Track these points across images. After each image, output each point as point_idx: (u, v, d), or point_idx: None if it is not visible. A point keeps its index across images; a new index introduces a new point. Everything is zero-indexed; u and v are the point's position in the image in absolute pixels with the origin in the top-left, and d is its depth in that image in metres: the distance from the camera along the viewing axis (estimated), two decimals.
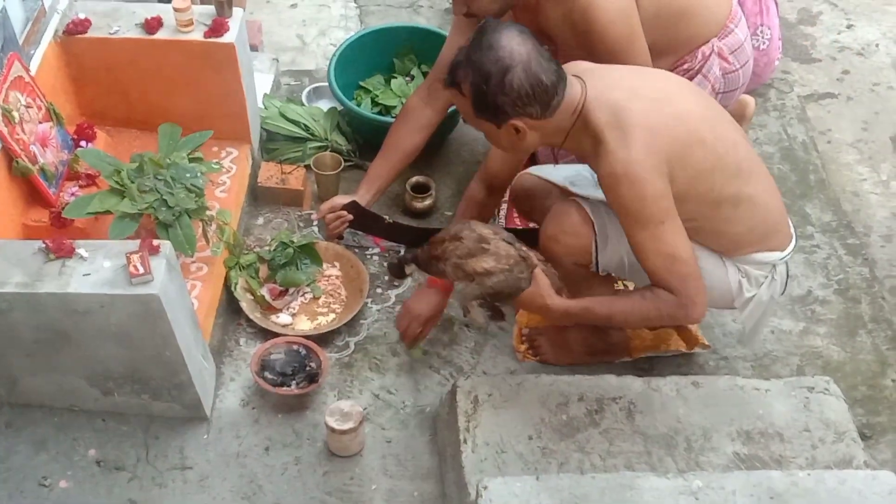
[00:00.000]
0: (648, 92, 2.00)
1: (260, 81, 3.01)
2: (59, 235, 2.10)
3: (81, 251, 2.01)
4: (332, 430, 2.22)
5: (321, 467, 2.27)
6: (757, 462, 2.11)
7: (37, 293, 1.96)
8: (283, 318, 2.56)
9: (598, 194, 2.10)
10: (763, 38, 3.06)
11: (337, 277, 2.68)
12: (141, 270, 1.95)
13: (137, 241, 2.02)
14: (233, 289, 2.54)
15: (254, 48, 3.21)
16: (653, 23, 2.40)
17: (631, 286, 2.43)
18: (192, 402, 2.28)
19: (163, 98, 2.65)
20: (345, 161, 2.88)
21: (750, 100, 3.02)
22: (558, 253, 2.20)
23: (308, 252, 2.63)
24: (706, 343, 2.54)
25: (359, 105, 3.04)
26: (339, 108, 3.01)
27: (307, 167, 2.89)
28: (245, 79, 2.65)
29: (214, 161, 2.60)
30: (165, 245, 2.04)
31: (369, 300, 2.63)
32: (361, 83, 3.14)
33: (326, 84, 3.02)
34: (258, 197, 2.86)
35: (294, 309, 2.59)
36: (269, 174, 2.85)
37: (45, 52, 2.48)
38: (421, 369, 2.49)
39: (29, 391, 2.27)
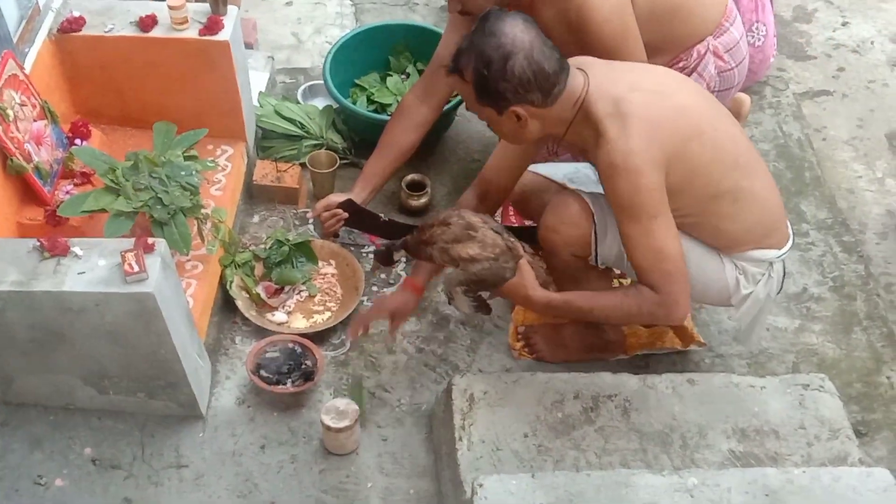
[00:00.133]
0: (649, 85, 2.01)
1: (255, 79, 3.01)
2: (54, 234, 2.09)
3: (76, 249, 2.01)
4: (328, 428, 2.22)
5: (317, 465, 2.27)
6: (752, 459, 2.11)
7: (31, 292, 1.96)
8: (279, 316, 2.56)
9: (598, 190, 2.11)
10: (758, 34, 3.06)
11: (332, 275, 2.68)
12: (136, 269, 1.94)
13: (132, 240, 2.01)
14: (228, 287, 2.54)
15: (249, 46, 3.21)
16: (647, 21, 2.40)
17: (627, 283, 2.43)
18: (187, 401, 2.27)
19: (158, 96, 2.65)
20: (340, 159, 2.88)
21: (745, 98, 3.03)
22: (557, 243, 2.20)
23: (304, 250, 2.64)
24: (702, 340, 2.54)
25: (354, 103, 3.03)
26: (335, 105, 3.01)
27: (303, 165, 2.89)
28: (240, 77, 2.65)
29: (210, 159, 2.60)
30: (160, 243, 2.04)
31: (365, 298, 2.63)
32: (357, 81, 3.14)
33: (322, 82, 3.02)
34: (253, 195, 2.86)
35: (290, 307, 2.59)
36: (265, 172, 2.85)
37: (40, 50, 2.48)
38: (417, 367, 2.49)
39: (24, 390, 2.27)
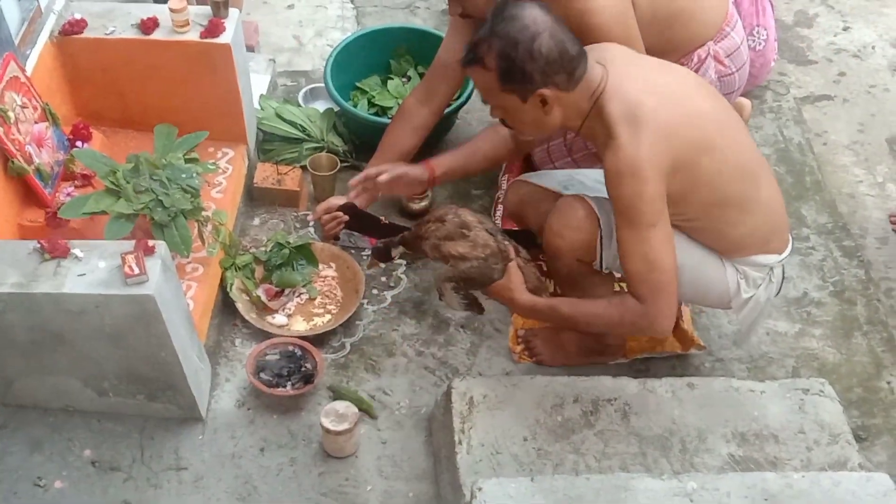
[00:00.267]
0: (665, 88, 2.00)
1: (256, 82, 3.01)
2: (55, 236, 2.10)
3: (76, 251, 2.01)
4: (328, 431, 2.22)
5: (316, 468, 2.27)
6: (751, 464, 2.11)
7: (32, 293, 1.96)
8: (279, 318, 2.56)
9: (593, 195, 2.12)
10: (759, 38, 3.06)
11: (333, 278, 2.68)
12: (136, 271, 1.94)
13: (132, 242, 2.01)
14: (228, 289, 2.54)
15: (250, 49, 3.21)
16: (649, 25, 2.40)
17: None
18: (187, 403, 2.27)
19: (159, 99, 2.65)
20: (341, 162, 2.88)
21: (746, 102, 3.03)
22: (562, 248, 2.21)
23: (304, 253, 2.63)
24: (702, 344, 2.54)
25: (355, 106, 3.04)
26: (336, 108, 3.01)
27: (303, 168, 2.89)
28: (241, 79, 2.65)
29: (210, 162, 2.61)
30: (161, 245, 2.04)
31: (365, 301, 2.63)
32: (358, 84, 3.14)
33: (323, 85, 3.02)
34: (254, 197, 2.86)
35: (290, 310, 2.59)
36: (266, 175, 2.85)
37: (41, 52, 2.48)
38: (416, 370, 2.49)
39: (24, 392, 2.27)
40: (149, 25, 2.54)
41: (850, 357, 2.59)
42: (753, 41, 3.07)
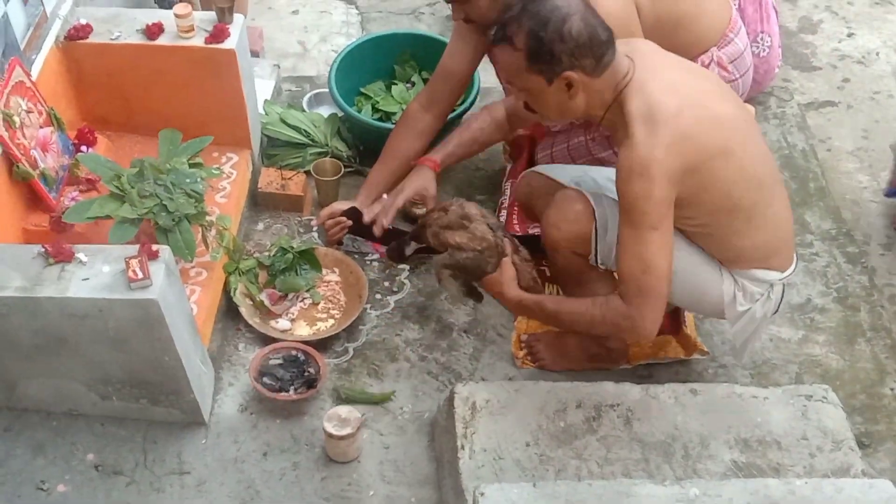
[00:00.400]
0: (689, 90, 1.99)
1: (261, 87, 3.02)
2: (59, 240, 2.10)
3: (81, 256, 2.02)
4: (330, 436, 2.22)
5: (319, 473, 2.27)
6: (754, 470, 2.11)
7: (36, 297, 1.97)
8: (282, 323, 2.56)
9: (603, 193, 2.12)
10: (763, 45, 3.06)
11: (336, 283, 2.68)
12: (140, 275, 1.95)
13: (136, 246, 2.02)
14: (232, 294, 2.54)
15: (255, 54, 3.22)
16: (652, 31, 2.41)
17: None
18: (190, 407, 2.28)
19: (163, 103, 2.66)
20: (345, 167, 2.88)
21: (750, 108, 3.02)
22: (558, 240, 2.22)
23: (307, 258, 2.64)
24: (705, 349, 2.54)
25: (359, 111, 3.04)
26: (340, 114, 3.02)
27: (307, 173, 2.90)
28: (246, 85, 2.66)
29: (214, 166, 2.61)
30: (164, 250, 2.05)
31: (368, 306, 2.63)
32: (362, 89, 3.15)
33: (327, 90, 3.03)
34: (258, 202, 2.87)
35: (293, 314, 2.60)
36: (270, 180, 2.86)
37: (47, 57, 2.49)
38: (419, 375, 2.49)
39: (27, 395, 2.28)
40: (154, 31, 2.55)
41: (853, 363, 2.59)
42: (757, 47, 3.08)
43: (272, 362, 2.41)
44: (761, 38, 3.07)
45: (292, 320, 2.58)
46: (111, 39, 2.56)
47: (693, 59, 2.60)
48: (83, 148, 2.54)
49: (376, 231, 2.58)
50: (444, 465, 2.22)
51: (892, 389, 2.53)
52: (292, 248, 2.63)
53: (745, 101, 2.93)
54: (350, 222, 2.63)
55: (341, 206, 2.65)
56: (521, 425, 2.16)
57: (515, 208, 2.75)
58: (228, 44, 2.55)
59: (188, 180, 2.34)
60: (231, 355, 2.51)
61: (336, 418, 2.23)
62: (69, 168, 2.48)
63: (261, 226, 2.84)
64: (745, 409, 2.22)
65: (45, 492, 2.20)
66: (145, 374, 2.18)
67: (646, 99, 1.93)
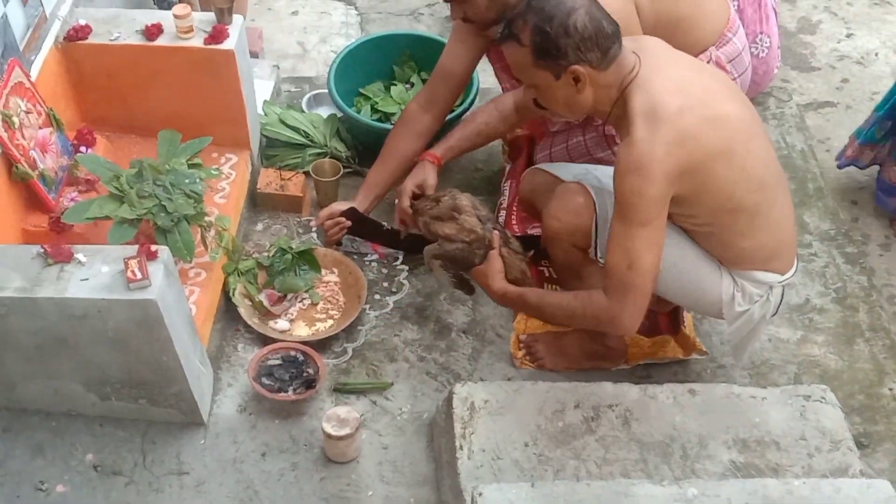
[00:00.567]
0: (695, 89, 1.99)
1: (260, 88, 3.03)
2: (59, 240, 2.11)
3: (80, 256, 2.02)
4: (329, 436, 2.22)
5: (318, 473, 2.27)
6: (753, 470, 2.11)
7: (35, 298, 1.97)
8: (281, 323, 2.56)
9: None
10: (762, 46, 3.06)
11: (335, 283, 2.68)
12: (139, 276, 1.95)
13: (136, 247, 2.02)
14: (231, 294, 2.54)
15: (254, 55, 3.22)
16: (652, 31, 2.40)
17: None
18: (189, 408, 2.28)
19: (162, 104, 2.66)
20: (344, 168, 2.89)
21: None
22: (559, 231, 2.24)
23: (307, 258, 2.64)
24: (704, 350, 2.54)
25: (358, 112, 3.05)
26: (339, 114, 3.02)
27: (306, 173, 2.90)
28: (245, 85, 2.66)
29: (214, 167, 2.61)
30: (163, 250, 2.05)
31: (367, 306, 2.64)
32: (361, 90, 3.15)
33: (326, 91, 3.03)
34: (257, 203, 2.87)
35: (292, 315, 2.60)
36: (269, 180, 2.86)
37: (46, 58, 2.49)
38: (418, 375, 2.50)
39: (26, 396, 2.28)
40: (153, 31, 2.56)
41: (852, 364, 2.59)
42: (756, 48, 3.08)
43: (271, 363, 2.41)
44: (760, 39, 3.08)
45: (291, 321, 2.58)
46: (110, 40, 2.56)
47: None
48: (82, 148, 2.54)
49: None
50: (443, 465, 2.22)
51: (890, 390, 2.54)
52: (291, 248, 2.63)
53: None
54: (349, 223, 2.64)
55: (340, 206, 2.65)
56: (519, 425, 2.16)
57: (514, 208, 2.75)
58: (227, 44, 2.55)
59: (187, 181, 2.34)
60: (230, 356, 2.51)
61: (335, 419, 2.23)
62: (68, 169, 2.49)
63: (260, 226, 2.84)
64: (743, 409, 2.22)
65: (44, 492, 2.20)
66: (144, 374, 2.18)
67: (649, 96, 1.93)
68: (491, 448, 2.12)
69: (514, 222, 2.75)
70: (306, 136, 2.96)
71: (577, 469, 2.10)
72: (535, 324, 2.57)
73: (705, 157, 1.95)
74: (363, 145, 3.00)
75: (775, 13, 3.16)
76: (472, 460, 2.10)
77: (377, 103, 3.10)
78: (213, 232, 2.45)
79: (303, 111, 3.11)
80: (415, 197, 2.51)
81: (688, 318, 2.59)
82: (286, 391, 2.36)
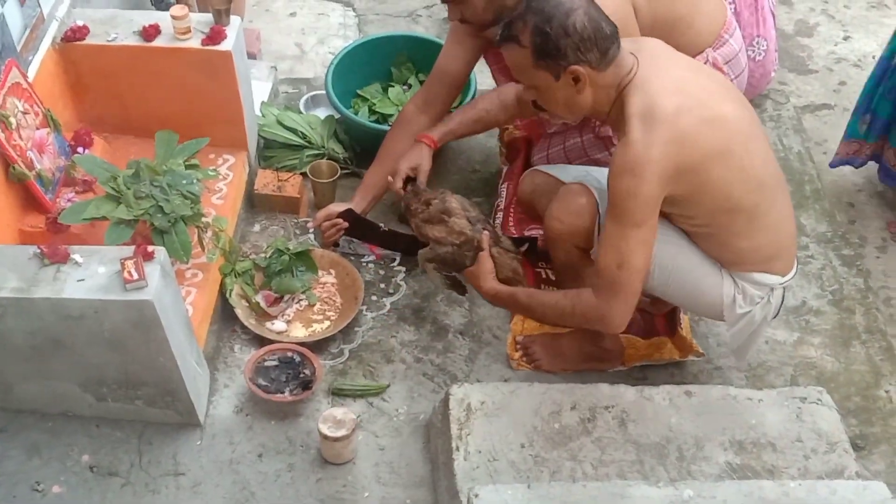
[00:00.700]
0: (692, 89, 1.99)
1: (258, 89, 3.03)
2: (55, 241, 2.11)
3: (76, 257, 2.02)
4: (326, 438, 2.22)
5: (314, 474, 2.27)
6: (749, 472, 2.11)
7: (31, 298, 1.97)
8: (278, 324, 2.56)
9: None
10: (759, 49, 3.07)
11: (332, 285, 2.68)
12: (135, 276, 1.95)
13: (132, 248, 2.02)
14: (228, 295, 2.54)
15: (252, 56, 3.22)
16: (649, 33, 2.40)
17: None
18: (185, 409, 2.28)
19: (160, 105, 2.66)
20: (341, 169, 2.89)
21: None
22: (561, 232, 2.24)
23: (304, 259, 2.64)
24: (700, 351, 2.54)
25: (356, 113, 3.05)
26: (337, 116, 3.02)
27: (304, 175, 2.90)
28: (242, 86, 2.66)
29: (211, 168, 2.61)
30: (160, 251, 2.05)
31: (364, 308, 2.64)
32: (359, 91, 3.15)
33: (324, 92, 3.03)
34: (255, 204, 2.87)
35: (289, 316, 2.60)
36: (266, 181, 2.86)
37: (43, 58, 2.49)
38: (415, 377, 2.50)
39: (22, 396, 2.28)
40: (150, 32, 2.56)
41: (848, 366, 2.59)
42: (753, 51, 3.08)
43: (268, 364, 2.42)
44: (757, 42, 3.08)
45: (288, 322, 2.58)
46: (108, 41, 2.56)
47: None
48: (79, 149, 2.54)
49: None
50: (439, 466, 2.22)
51: (886, 392, 2.54)
52: (288, 249, 2.63)
53: None
54: (346, 224, 2.64)
55: (338, 207, 2.65)
56: (516, 427, 2.16)
57: (512, 210, 2.75)
58: (225, 46, 2.55)
59: (184, 182, 2.34)
60: (227, 357, 2.51)
61: (331, 420, 2.23)
62: (65, 169, 2.49)
63: (257, 227, 2.84)
64: (739, 411, 2.23)
65: (40, 493, 2.20)
66: (141, 375, 2.18)
67: (647, 97, 1.94)
68: (487, 449, 2.12)
69: (511, 224, 2.75)
70: (304, 137, 2.97)
71: (574, 470, 2.10)
72: (532, 325, 2.58)
73: (703, 158, 1.95)
74: (361, 147, 3.00)
75: (773, 16, 3.16)
76: (468, 461, 2.10)
77: (375, 105, 3.10)
78: (210, 233, 2.45)
79: (300, 112, 3.11)
80: (408, 180, 2.50)
81: (684, 319, 2.59)
82: (283, 392, 2.36)
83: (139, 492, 2.22)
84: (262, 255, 2.67)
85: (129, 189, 2.28)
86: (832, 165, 3.07)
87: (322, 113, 3.13)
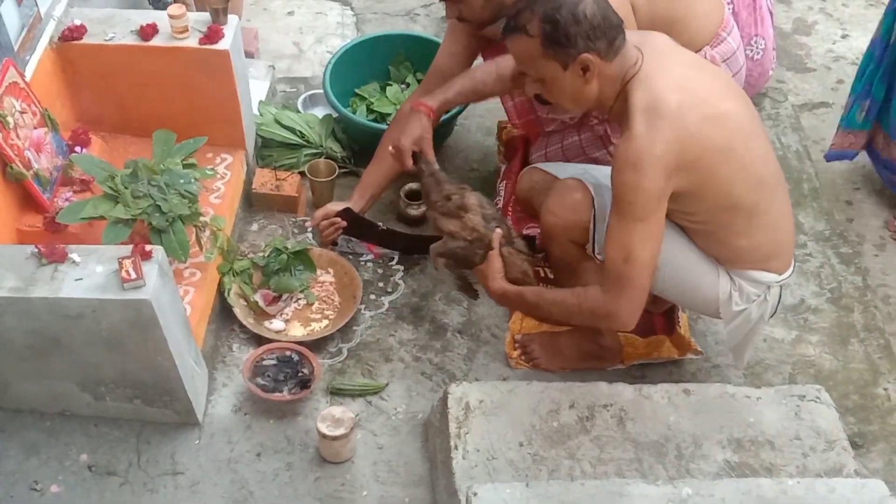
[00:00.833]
0: (695, 85, 1.99)
1: (256, 88, 3.02)
2: (53, 240, 2.11)
3: (74, 256, 2.02)
4: (324, 437, 2.22)
5: (312, 473, 2.27)
6: (747, 470, 2.11)
7: (29, 298, 1.97)
8: (277, 324, 2.56)
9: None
10: (757, 48, 3.07)
11: (331, 283, 2.68)
12: (133, 276, 1.95)
13: (130, 247, 2.02)
14: (226, 294, 2.54)
15: (250, 55, 3.22)
16: (647, 29, 2.41)
17: None
18: (184, 408, 2.28)
19: (157, 104, 2.66)
20: (339, 168, 2.89)
21: None
22: (556, 226, 2.24)
23: (302, 258, 2.64)
24: (699, 349, 2.54)
25: (354, 112, 3.05)
26: (335, 115, 3.02)
27: (302, 174, 2.90)
28: (240, 85, 2.66)
29: (209, 167, 2.61)
30: (158, 250, 2.05)
31: (363, 306, 2.64)
32: (357, 90, 3.15)
33: (322, 91, 3.03)
34: (253, 203, 2.87)
35: (287, 315, 2.60)
36: (264, 180, 2.86)
37: (41, 58, 2.49)
38: (413, 375, 2.50)
39: (20, 396, 2.28)
40: (148, 32, 2.55)
41: (846, 364, 2.59)
42: (752, 51, 3.08)
43: (266, 363, 2.41)
44: (755, 41, 3.08)
45: (286, 321, 2.58)
46: (105, 40, 2.56)
47: None
48: (77, 148, 2.54)
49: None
50: (438, 465, 2.22)
51: (885, 390, 2.54)
52: (287, 248, 2.63)
53: None
54: (344, 223, 2.64)
55: (336, 206, 2.65)
56: (514, 425, 2.16)
57: (510, 208, 2.75)
58: (222, 45, 2.55)
59: (182, 181, 2.34)
60: (225, 356, 2.51)
61: (330, 419, 2.23)
62: (63, 169, 2.48)
63: (255, 226, 2.84)
64: (738, 409, 2.23)
65: (38, 492, 2.19)
66: (139, 374, 2.18)
67: (650, 92, 1.94)
68: (486, 448, 2.12)
69: (509, 222, 2.75)
70: (302, 136, 2.96)
71: (572, 469, 2.10)
72: (531, 324, 2.58)
73: (705, 154, 1.95)
74: (359, 145, 3.00)
75: (771, 15, 3.16)
76: (466, 460, 2.09)
77: (373, 104, 3.10)
78: (207, 232, 2.45)
79: (298, 111, 3.11)
80: (415, 155, 2.46)
81: (683, 318, 2.59)
82: (281, 391, 2.36)
83: (137, 491, 2.21)
84: (261, 254, 2.67)
85: (126, 188, 2.28)
86: (828, 158, 3.07)
87: (320, 112, 3.13)
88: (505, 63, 2.46)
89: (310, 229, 2.82)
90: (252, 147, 2.89)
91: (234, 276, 2.57)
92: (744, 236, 2.10)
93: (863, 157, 3.20)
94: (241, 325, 2.53)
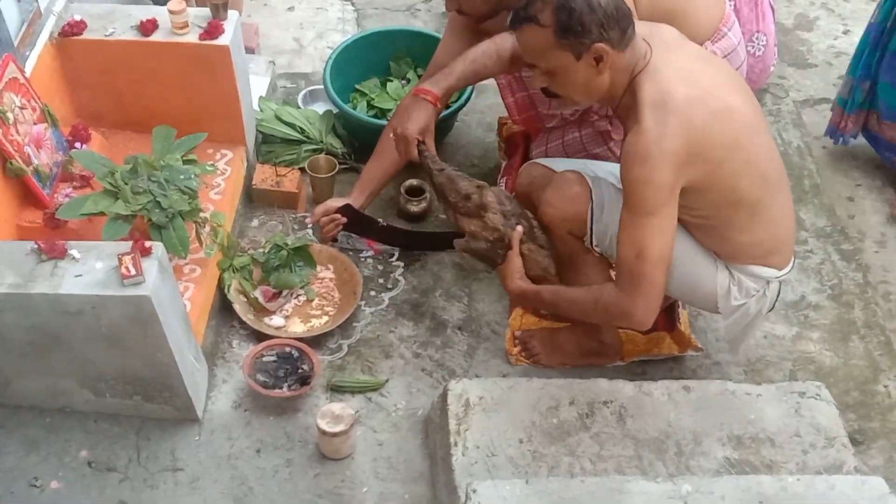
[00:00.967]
0: (703, 79, 1.99)
1: (256, 84, 3.02)
2: (53, 236, 2.11)
3: (74, 252, 2.02)
4: (324, 433, 2.22)
5: (312, 470, 2.27)
6: (747, 467, 2.11)
7: (29, 294, 1.97)
8: (276, 320, 2.56)
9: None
10: (758, 44, 3.05)
11: (331, 280, 2.68)
12: (132, 272, 1.95)
13: (130, 243, 2.02)
14: (226, 291, 2.54)
15: (250, 51, 3.22)
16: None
17: None
18: (183, 404, 2.28)
19: (158, 100, 2.65)
20: (340, 164, 2.88)
21: None
22: (554, 218, 2.24)
23: (302, 254, 2.64)
24: (699, 346, 2.54)
25: (354, 108, 3.04)
26: (335, 110, 3.02)
27: (302, 170, 2.90)
28: (240, 81, 2.66)
29: (209, 163, 2.61)
30: (157, 247, 2.04)
31: (363, 303, 2.63)
32: (357, 86, 3.15)
33: (322, 87, 3.02)
34: (253, 199, 2.87)
35: (287, 311, 2.60)
36: (264, 176, 2.85)
37: (41, 53, 2.49)
38: (413, 372, 2.49)
39: (20, 392, 2.28)
40: (148, 27, 2.55)
41: (847, 361, 2.59)
42: (753, 47, 3.07)
43: (266, 359, 2.41)
44: (756, 38, 3.07)
45: (286, 317, 2.58)
46: (105, 36, 2.56)
47: None
48: (77, 144, 2.54)
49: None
50: (438, 461, 2.22)
51: (885, 387, 2.54)
52: (287, 244, 2.62)
53: None
54: (345, 219, 2.63)
55: (336, 202, 2.65)
56: (514, 422, 2.16)
57: None
58: (223, 40, 2.55)
59: (182, 177, 2.33)
60: (225, 352, 2.51)
61: (330, 415, 2.23)
62: (63, 164, 2.48)
63: (255, 222, 2.84)
64: (738, 406, 2.22)
65: (38, 488, 2.19)
66: (139, 370, 2.18)
67: (659, 85, 1.93)
68: (485, 444, 2.12)
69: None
70: (302, 132, 2.96)
71: (572, 465, 2.10)
72: (531, 320, 2.58)
73: (713, 148, 1.95)
74: (359, 141, 3.00)
75: (772, 11, 3.15)
76: (466, 457, 2.10)
77: (373, 99, 3.10)
78: (207, 228, 2.44)
79: (298, 107, 3.10)
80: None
81: (683, 314, 2.59)
82: (281, 388, 2.36)
83: (137, 487, 2.21)
84: (261, 250, 2.67)
85: (126, 184, 2.28)
86: (830, 136, 3.13)
87: (320, 108, 3.13)
88: (504, 44, 2.44)
89: (310, 225, 2.82)
90: (252, 143, 2.89)
91: (234, 272, 2.57)
92: (745, 232, 2.10)
93: (862, 155, 3.21)
94: (241, 322, 2.53)
